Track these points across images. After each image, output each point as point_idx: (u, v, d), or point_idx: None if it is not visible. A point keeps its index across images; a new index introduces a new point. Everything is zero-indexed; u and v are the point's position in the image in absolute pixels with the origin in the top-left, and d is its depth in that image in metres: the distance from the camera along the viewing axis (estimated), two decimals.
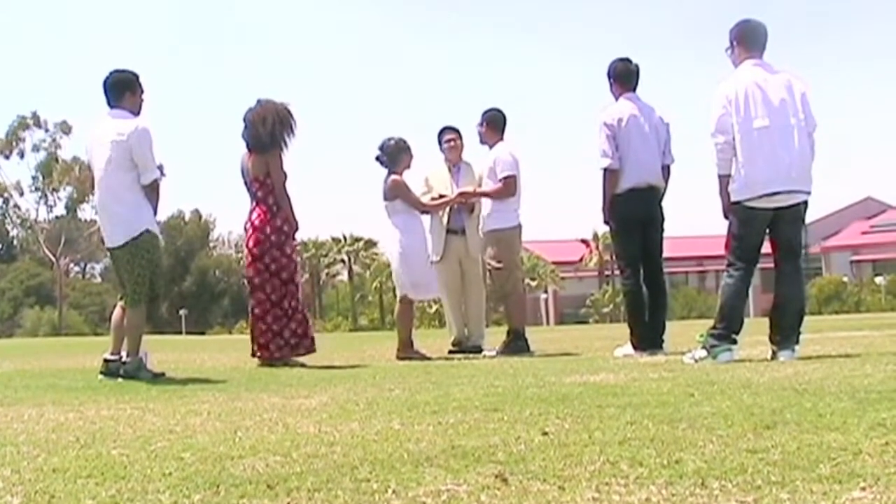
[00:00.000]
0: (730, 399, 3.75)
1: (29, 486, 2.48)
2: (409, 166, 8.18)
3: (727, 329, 5.96)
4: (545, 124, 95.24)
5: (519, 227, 8.25)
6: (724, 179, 6.01)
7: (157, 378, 6.13)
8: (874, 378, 4.36)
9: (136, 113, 6.33)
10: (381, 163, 8.11)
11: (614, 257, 7.69)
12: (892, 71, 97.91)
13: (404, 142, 8.16)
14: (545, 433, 3.03)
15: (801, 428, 2.96)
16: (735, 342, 5.96)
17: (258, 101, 7.41)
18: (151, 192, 6.26)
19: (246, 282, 7.62)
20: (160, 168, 6.51)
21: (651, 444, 2.76)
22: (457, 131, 8.56)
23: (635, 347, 7.03)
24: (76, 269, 73.29)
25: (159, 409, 4.21)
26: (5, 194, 63.23)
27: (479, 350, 8.24)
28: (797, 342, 6.00)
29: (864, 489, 2.12)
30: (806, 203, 6.06)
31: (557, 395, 4.15)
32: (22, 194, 62.83)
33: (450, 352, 8.42)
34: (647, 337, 7.07)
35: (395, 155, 8.07)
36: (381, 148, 8.13)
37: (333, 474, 2.48)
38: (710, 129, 5.97)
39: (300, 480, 2.41)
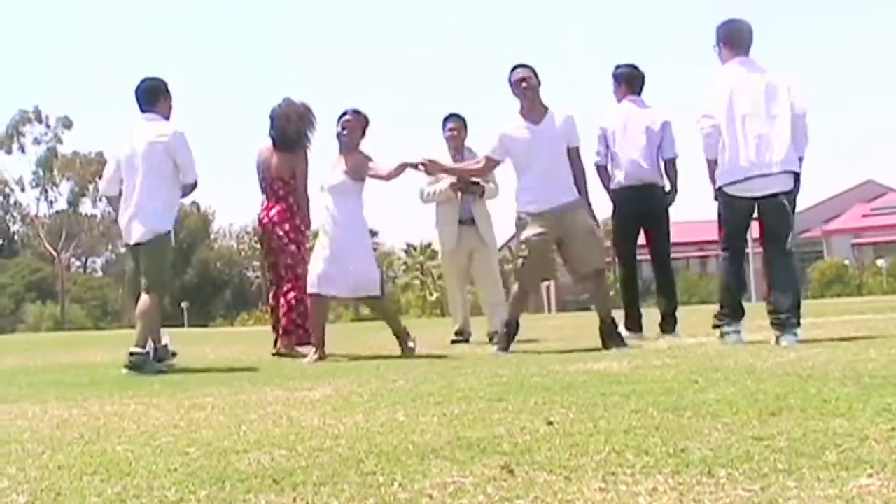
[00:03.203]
0: (734, 385, 3.75)
1: (34, 483, 2.48)
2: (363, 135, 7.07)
3: (731, 310, 6.17)
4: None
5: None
6: (712, 164, 6.18)
7: (167, 367, 6.37)
8: (878, 362, 4.36)
9: (167, 117, 6.54)
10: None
11: (610, 244, 8.03)
12: (893, 54, 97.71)
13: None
14: (550, 423, 3.02)
15: (806, 414, 2.95)
16: (740, 321, 6.15)
17: (284, 100, 7.53)
18: (191, 190, 6.58)
19: (267, 273, 7.71)
20: None
21: (656, 432, 2.75)
22: (461, 120, 8.50)
23: (627, 328, 7.27)
24: (77, 263, 73.31)
25: (163, 404, 4.21)
26: (6, 189, 63.30)
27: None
28: (798, 325, 6.03)
29: (871, 476, 2.11)
30: (788, 193, 6.07)
31: (561, 384, 4.15)
32: (23, 190, 62.98)
33: (452, 341, 8.40)
34: (633, 318, 7.47)
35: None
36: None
37: (339, 468, 2.48)
38: (697, 115, 6.14)
39: (306, 474, 2.41)
